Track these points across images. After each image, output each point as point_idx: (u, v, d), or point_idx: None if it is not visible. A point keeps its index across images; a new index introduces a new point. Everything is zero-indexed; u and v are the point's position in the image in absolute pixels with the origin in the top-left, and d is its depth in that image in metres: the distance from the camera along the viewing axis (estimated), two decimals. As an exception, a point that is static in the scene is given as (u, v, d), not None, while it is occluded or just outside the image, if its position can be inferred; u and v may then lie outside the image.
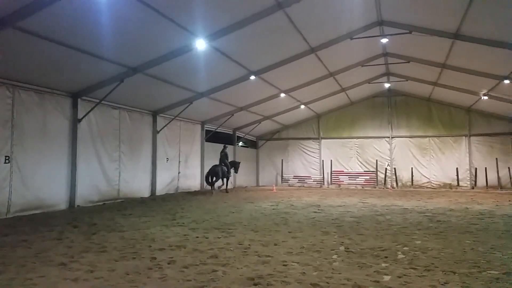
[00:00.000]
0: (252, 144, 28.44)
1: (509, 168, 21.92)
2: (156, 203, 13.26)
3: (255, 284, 4.13)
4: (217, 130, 22.31)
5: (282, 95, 19.39)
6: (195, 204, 12.88)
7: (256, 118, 22.88)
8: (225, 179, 18.75)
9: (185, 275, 4.52)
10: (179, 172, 18.58)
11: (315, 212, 10.86)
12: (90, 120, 13.22)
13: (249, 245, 6.15)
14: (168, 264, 5.03)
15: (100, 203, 12.88)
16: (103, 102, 13.34)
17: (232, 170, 19.82)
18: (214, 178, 17.84)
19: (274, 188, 22.55)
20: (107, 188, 13.80)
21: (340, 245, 6.18)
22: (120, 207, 11.92)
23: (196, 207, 12.12)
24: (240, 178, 24.38)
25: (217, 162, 18.83)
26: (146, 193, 16.16)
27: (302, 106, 22.74)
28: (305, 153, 26.73)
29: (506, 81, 15.93)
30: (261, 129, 25.36)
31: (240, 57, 14.02)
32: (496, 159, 21.94)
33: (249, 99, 19.32)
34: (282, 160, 26.91)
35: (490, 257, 5.52)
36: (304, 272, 4.59)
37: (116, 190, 14.27)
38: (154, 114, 16.89)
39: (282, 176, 26.67)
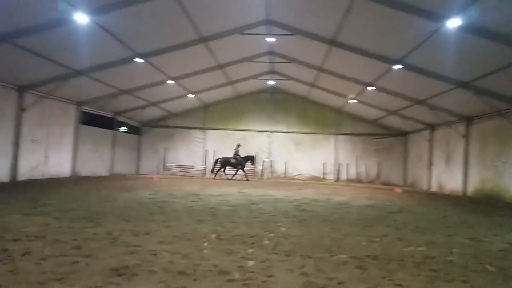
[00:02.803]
0: (135, 130, 27.23)
1: (365, 165, 25.24)
2: (16, 189, 11.81)
3: (119, 275, 4.02)
4: (96, 113, 20.77)
5: (170, 82, 18.98)
6: (64, 192, 11.84)
7: (141, 103, 21.99)
8: (239, 170, 23.20)
9: (41, 267, 4.16)
10: (45, 156, 16.80)
11: (193, 201, 10.95)
12: None
13: (118, 235, 5.92)
14: (22, 255, 4.56)
15: None
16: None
17: (249, 163, 23.62)
18: (219, 166, 22.91)
19: (155, 176, 22.00)
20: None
21: (212, 233, 6.37)
22: (-32, 193, 10.30)
23: (64, 194, 11.15)
24: (118, 166, 23.18)
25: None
26: (4, 178, 14.28)
27: (190, 95, 22.59)
28: (190, 142, 26.65)
29: (370, 88, 18.20)
30: (146, 115, 24.45)
31: (125, 37, 13.29)
32: (356, 156, 24.96)
33: (134, 83, 18.46)
34: (165, 148, 26.37)
35: (342, 242, 6.27)
36: (172, 261, 4.62)
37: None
38: (21, 90, 14.94)
39: (164, 164, 26.16)
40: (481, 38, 10.12)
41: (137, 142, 26.57)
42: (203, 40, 14.85)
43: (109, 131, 22.79)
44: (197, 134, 26.78)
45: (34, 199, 9.63)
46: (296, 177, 25.80)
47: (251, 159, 23.54)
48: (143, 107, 22.52)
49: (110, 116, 22.77)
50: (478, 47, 10.85)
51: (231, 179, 22.56)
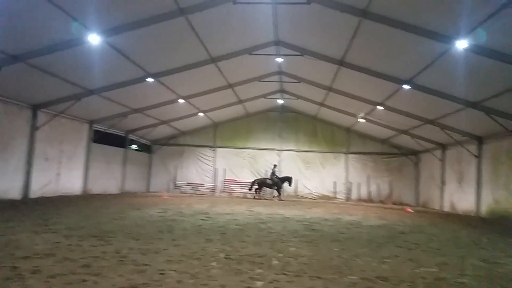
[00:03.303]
0: (146, 148, 27.49)
1: (376, 184, 24.97)
2: (28, 207, 11.94)
3: (127, 294, 4.02)
4: (107, 131, 21.07)
5: (181, 101, 19.24)
6: (74, 209, 11.93)
7: (152, 122, 22.27)
8: (275, 190, 23.86)
9: (50, 285, 4.18)
10: (57, 174, 17.00)
11: (202, 219, 10.93)
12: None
13: (127, 253, 5.93)
14: (32, 274, 4.59)
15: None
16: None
17: (286, 184, 23.84)
18: (256, 187, 23.56)
19: (165, 194, 22.08)
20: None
21: (220, 252, 6.33)
22: (-19, 210, 10.44)
23: (75, 212, 11.24)
24: (129, 183, 23.33)
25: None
26: (17, 195, 14.46)
27: (201, 114, 22.84)
28: (200, 160, 26.78)
29: (380, 107, 18.19)
30: (157, 133, 24.74)
31: (137, 57, 13.59)
32: (368, 175, 24.73)
33: (146, 102, 18.75)
34: (175, 166, 26.51)
35: (352, 263, 6.18)
36: (180, 280, 4.61)
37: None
38: (34, 109, 15.26)
39: (175, 182, 26.26)
40: (489, 59, 10.12)
41: (148, 160, 26.77)
42: (213, 60, 15.10)
43: (121, 149, 23.04)
44: (207, 152, 26.91)
45: (44, 216, 9.72)
46: (307, 195, 25.62)
47: (288, 180, 23.67)
48: (154, 125, 22.80)
49: (122, 135, 23.07)
50: (487, 67, 10.84)
51: (268, 199, 23.04)
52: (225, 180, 26.03)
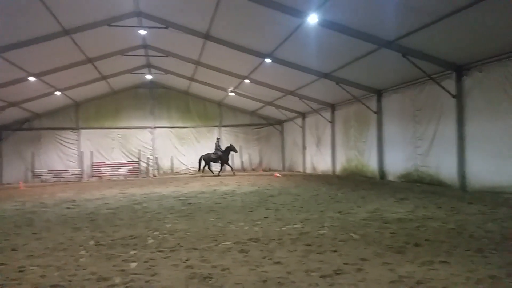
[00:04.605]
0: (-9, 135, 23.68)
1: (248, 154, 26.40)
2: None
3: (-23, 300, 3.55)
4: None
5: (32, 79, 16.93)
6: None
7: (-4, 104, 19.15)
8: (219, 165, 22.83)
9: None
10: None
11: (68, 208, 10.10)
12: None
13: (-26, 256, 5.18)
14: None
15: None
16: None
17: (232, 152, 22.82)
18: (203, 163, 22.27)
19: (22, 185, 19.55)
20: None
21: (90, 240, 6.00)
22: None
23: None
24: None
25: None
26: None
27: (58, 93, 20.51)
28: (62, 144, 24.37)
29: (247, 81, 18.96)
30: (5, 117, 21.40)
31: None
32: (240, 146, 25.86)
33: (-16, 81, 15.99)
34: (32, 153, 23.61)
35: (226, 230, 6.52)
36: (44, 275, 4.24)
37: None
38: None
39: (33, 171, 23.42)
40: (336, 32, 11.31)
41: (-4, 148, 23.19)
42: (67, 32, 13.59)
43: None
44: (69, 135, 24.52)
45: None
46: (183, 171, 25.62)
47: (231, 149, 22.58)
48: (2, 108, 19.67)
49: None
50: (335, 41, 12.10)
51: (218, 176, 22.05)
52: (94, 164, 24.24)
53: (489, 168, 10.34)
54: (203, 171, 22.46)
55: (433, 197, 9.91)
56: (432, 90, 12.53)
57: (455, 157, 11.44)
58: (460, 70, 11.35)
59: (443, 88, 11.76)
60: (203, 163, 22.37)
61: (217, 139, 23.66)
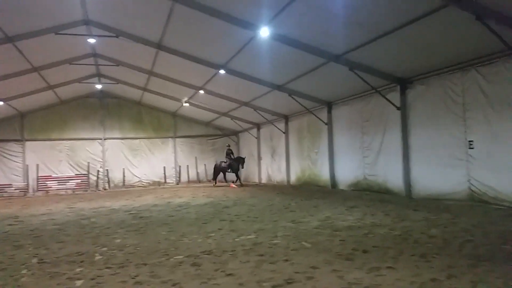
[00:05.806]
0: None
1: (205, 164, 26.17)
2: None
3: None
4: None
5: (-31, 88, 15.82)
6: None
7: None
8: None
9: None
10: None
11: (10, 225, 9.48)
12: None
13: None
14: None
15: None
16: None
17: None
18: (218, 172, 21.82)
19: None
20: None
21: (33, 258, 5.67)
22: None
23: None
24: None
25: None
26: None
27: (1, 103, 19.34)
28: (5, 157, 22.88)
29: (201, 92, 18.89)
30: None
31: None
32: (196, 157, 25.61)
33: None
34: (-31, 167, 21.93)
35: (179, 244, 6.40)
36: (-22, 299, 3.96)
37: None
38: None
39: (-29, 187, 21.75)
40: (288, 46, 11.61)
41: None
42: (11, 40, 12.90)
43: None
44: (13, 147, 23.05)
45: None
46: (136, 184, 24.86)
47: (240, 161, 21.61)
48: None
49: None
50: (286, 54, 12.38)
51: (241, 185, 21.18)
52: (39, 177, 22.93)
53: (432, 176, 11.00)
54: (215, 183, 22.22)
55: (381, 204, 10.34)
56: (378, 102, 13.16)
57: (401, 166, 12.05)
58: (403, 84, 12.04)
59: (388, 100, 12.40)
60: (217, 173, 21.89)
61: (228, 145, 23.21)
